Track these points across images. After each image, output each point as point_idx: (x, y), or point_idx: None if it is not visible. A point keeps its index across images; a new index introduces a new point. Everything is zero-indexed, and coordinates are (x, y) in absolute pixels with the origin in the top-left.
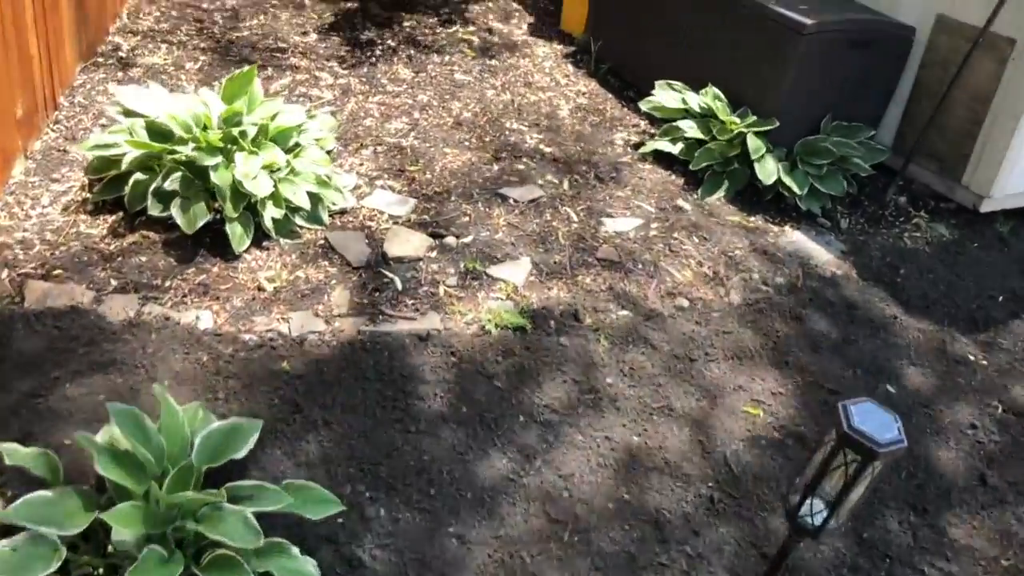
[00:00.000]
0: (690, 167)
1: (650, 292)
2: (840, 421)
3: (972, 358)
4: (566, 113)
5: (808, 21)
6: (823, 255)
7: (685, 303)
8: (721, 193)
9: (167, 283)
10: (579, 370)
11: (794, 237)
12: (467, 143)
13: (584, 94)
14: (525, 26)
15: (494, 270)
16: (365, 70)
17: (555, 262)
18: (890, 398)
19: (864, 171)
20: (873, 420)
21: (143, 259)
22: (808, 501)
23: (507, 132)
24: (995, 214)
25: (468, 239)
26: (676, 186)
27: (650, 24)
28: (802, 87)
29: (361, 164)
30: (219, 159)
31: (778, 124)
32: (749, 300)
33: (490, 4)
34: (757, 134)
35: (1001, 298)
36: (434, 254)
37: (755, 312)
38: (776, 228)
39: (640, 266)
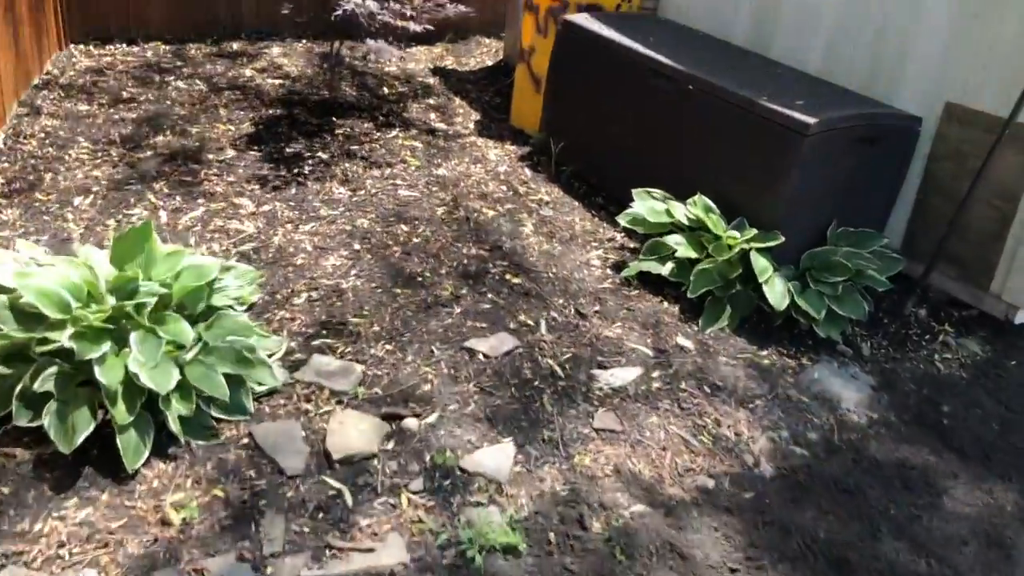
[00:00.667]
0: (686, 293)
1: (665, 472)
2: None
3: None
4: (530, 230)
5: (811, 120)
6: (852, 395)
7: (710, 483)
8: (724, 322)
9: (36, 527)
10: None
11: (816, 374)
12: (420, 278)
13: (548, 204)
14: (472, 124)
15: (469, 461)
16: (293, 191)
17: (544, 439)
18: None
19: (883, 285)
20: None
21: (4, 490)
22: None
23: (466, 260)
24: None
25: (432, 418)
26: (672, 316)
27: (618, 120)
28: (805, 193)
29: (293, 319)
30: (106, 347)
31: (783, 239)
32: (783, 470)
33: (430, 101)
34: (760, 251)
35: None
36: (391, 445)
37: (793, 488)
38: (793, 363)
39: (648, 432)
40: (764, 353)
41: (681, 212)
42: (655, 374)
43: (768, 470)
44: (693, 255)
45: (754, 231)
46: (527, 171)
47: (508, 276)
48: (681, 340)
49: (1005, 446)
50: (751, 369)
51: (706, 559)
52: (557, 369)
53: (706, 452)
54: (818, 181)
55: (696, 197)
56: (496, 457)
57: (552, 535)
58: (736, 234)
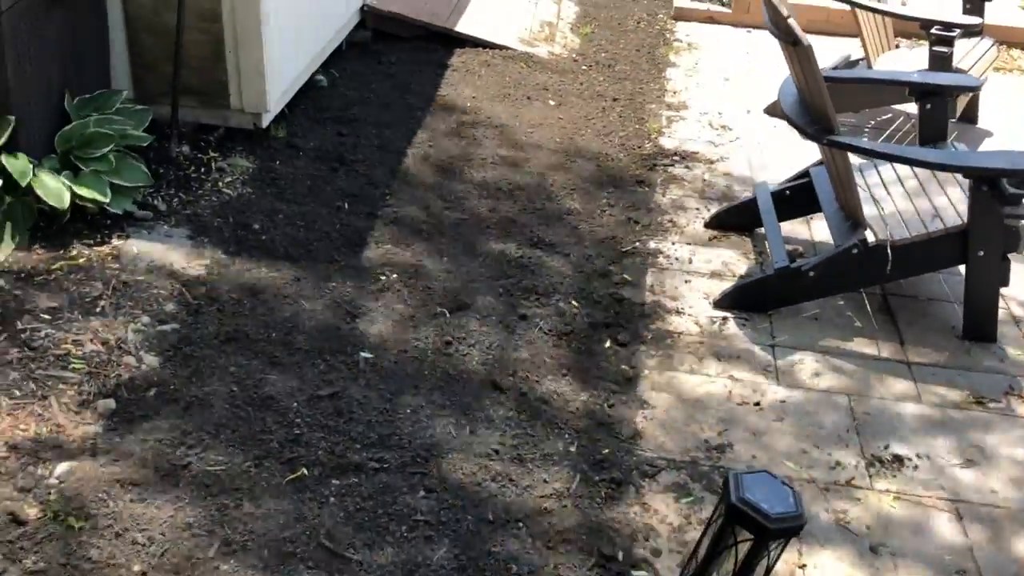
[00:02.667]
0: None
1: (62, 419)
2: (728, 493)
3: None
4: None
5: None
6: (178, 253)
7: (112, 404)
8: (12, 244)
9: None
10: None
11: (135, 250)
12: None
13: None
14: None
15: None
16: None
17: None
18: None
19: (145, 140)
20: (766, 492)
21: None
22: None
23: None
24: (272, 122)
25: None
26: None
27: None
28: (20, 70)
29: None
30: None
31: (13, 120)
32: (167, 351)
33: None
34: (9, 151)
35: (346, 203)
36: None
37: (187, 361)
38: (107, 249)
39: (17, 391)
40: (75, 252)
41: None
42: None
43: (153, 360)
44: None
45: None
46: None
47: None
48: None
49: (313, 236)
50: (76, 274)
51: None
52: None
53: (88, 376)
54: (30, 58)
55: None
56: None
57: None
58: None
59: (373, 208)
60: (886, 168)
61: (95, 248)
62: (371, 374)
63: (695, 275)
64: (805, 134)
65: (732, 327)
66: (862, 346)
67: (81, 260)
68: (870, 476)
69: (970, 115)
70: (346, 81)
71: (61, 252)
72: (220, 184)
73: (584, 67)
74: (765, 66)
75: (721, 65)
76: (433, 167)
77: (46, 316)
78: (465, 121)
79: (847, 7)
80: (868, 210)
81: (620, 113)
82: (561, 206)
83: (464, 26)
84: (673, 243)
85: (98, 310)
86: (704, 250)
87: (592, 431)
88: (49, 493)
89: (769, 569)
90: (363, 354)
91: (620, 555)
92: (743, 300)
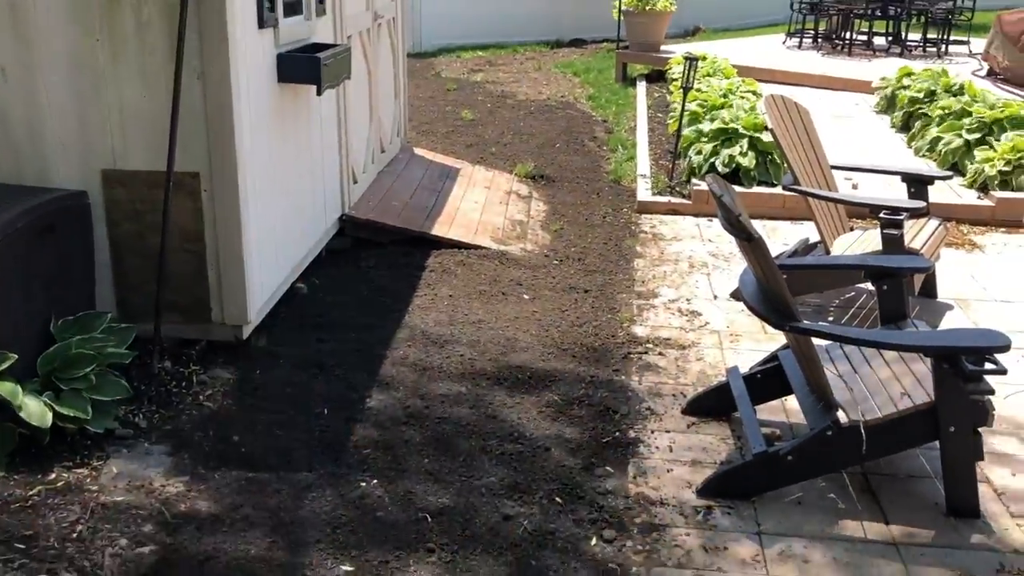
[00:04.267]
0: None
1: None
2: None
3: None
4: None
5: None
6: (157, 470)
7: None
8: None
9: None
10: None
11: (115, 469)
12: None
13: None
14: None
15: None
16: None
17: None
18: None
19: (128, 357)
20: None
21: None
22: None
23: None
24: (253, 333)
25: None
26: None
27: None
28: (9, 303)
29: None
30: None
31: (16, 357)
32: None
33: None
34: None
35: (325, 409)
36: None
37: None
38: (86, 471)
39: None
40: (54, 476)
41: None
42: None
43: None
44: None
45: None
46: None
47: None
48: None
49: (293, 444)
50: (54, 499)
51: None
52: None
53: None
54: (18, 287)
55: None
56: None
57: None
58: None
59: (352, 412)
60: (852, 348)
61: (74, 470)
62: None
63: (677, 463)
64: (768, 322)
65: (717, 516)
66: (848, 529)
67: (59, 484)
68: None
69: (928, 290)
70: (326, 287)
71: (40, 476)
72: (201, 397)
73: (555, 262)
74: (726, 252)
75: (685, 253)
76: (412, 368)
77: (20, 546)
78: (442, 321)
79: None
80: (838, 391)
81: (592, 304)
82: (540, 398)
83: (439, 229)
84: (653, 432)
85: (75, 535)
86: (684, 437)
87: None
88: None
89: None
90: (344, 567)
91: None
92: (725, 487)
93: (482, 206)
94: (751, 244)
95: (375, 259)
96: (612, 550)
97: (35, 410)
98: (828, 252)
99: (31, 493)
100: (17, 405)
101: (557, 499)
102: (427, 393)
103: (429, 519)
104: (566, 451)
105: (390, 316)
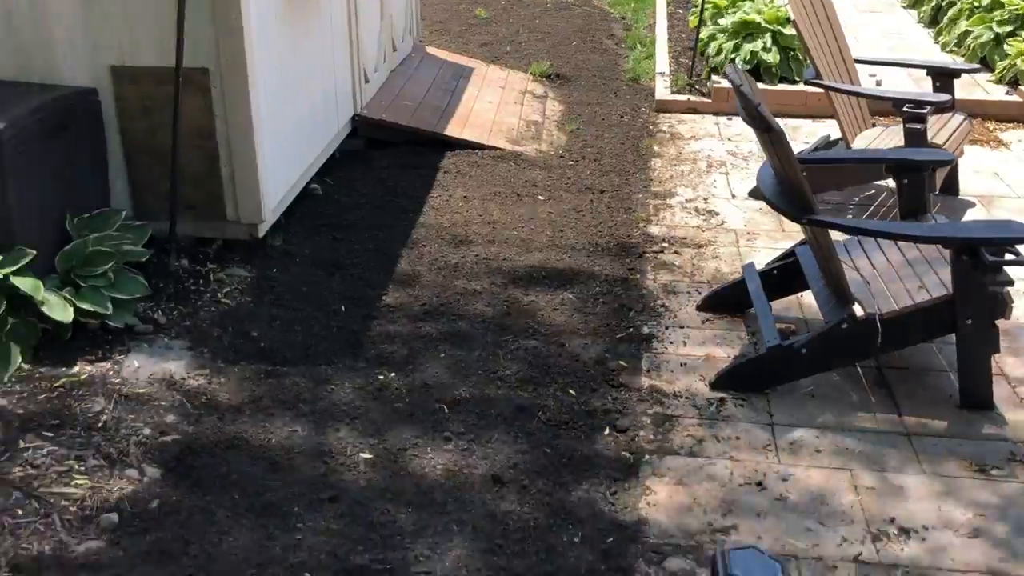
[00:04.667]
0: None
1: (64, 536)
2: (716, 571)
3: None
4: None
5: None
6: (178, 364)
7: (114, 516)
8: (17, 361)
9: None
10: None
11: (136, 363)
12: None
13: None
14: None
15: None
16: None
17: None
18: None
19: (144, 255)
20: (754, 568)
21: None
22: None
23: None
24: (269, 232)
25: None
26: None
27: None
28: (26, 199)
29: None
30: None
31: (35, 253)
32: (169, 464)
33: None
34: (17, 272)
35: (342, 306)
36: None
37: (188, 474)
38: (108, 364)
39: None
40: (77, 368)
41: None
42: None
43: (154, 472)
44: None
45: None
46: None
47: None
48: None
49: (310, 340)
50: (79, 390)
51: None
52: None
53: (91, 491)
54: (33, 184)
55: None
56: None
57: None
58: None
59: (369, 310)
60: (870, 243)
61: (97, 364)
62: (371, 474)
63: (690, 358)
64: (786, 215)
65: (730, 407)
66: (861, 420)
67: (83, 376)
68: (877, 551)
69: (950, 187)
70: (340, 188)
71: (64, 369)
72: (219, 295)
73: (571, 162)
74: (746, 151)
75: (704, 153)
76: (427, 266)
77: (49, 433)
78: (457, 221)
79: (822, 91)
80: (854, 285)
81: (608, 204)
82: (555, 296)
83: (453, 129)
84: (667, 328)
85: (100, 425)
86: (697, 332)
87: (595, 521)
88: None
89: None
90: (363, 455)
91: None
92: (739, 380)
93: (496, 106)
94: (770, 135)
95: (388, 160)
96: (625, 439)
97: (57, 305)
98: (849, 149)
99: (56, 385)
100: (39, 300)
101: (571, 391)
102: (443, 291)
103: (446, 409)
104: (580, 346)
105: (405, 216)
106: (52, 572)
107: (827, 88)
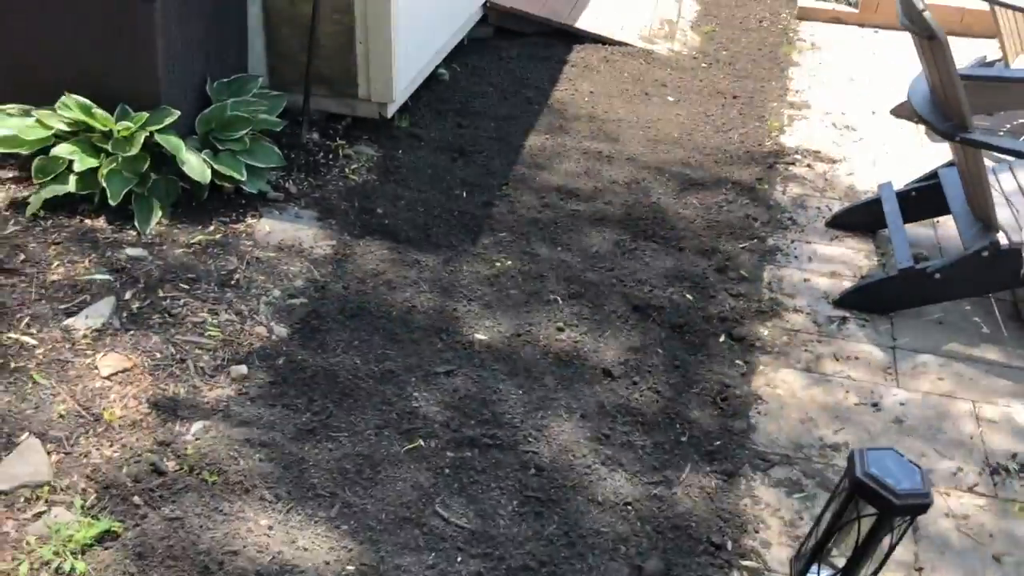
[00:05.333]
0: (108, 202)
1: (196, 382)
2: (853, 467)
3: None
4: None
5: None
6: (307, 232)
7: (243, 369)
8: (158, 216)
9: None
10: None
11: (268, 228)
12: None
13: None
14: None
15: None
16: None
17: None
18: None
19: (278, 125)
20: (892, 469)
21: None
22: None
23: None
24: (396, 113)
25: None
26: (104, 232)
27: None
28: (174, 58)
29: None
30: None
31: (179, 114)
32: (296, 324)
33: None
34: (161, 132)
35: (464, 192)
36: None
37: (314, 333)
38: (243, 227)
39: (158, 354)
40: (212, 228)
41: (55, 120)
42: (128, 295)
43: (282, 331)
44: (94, 162)
45: (144, 115)
46: None
47: None
48: (130, 251)
49: (432, 222)
50: (213, 249)
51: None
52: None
53: (223, 343)
54: (181, 44)
55: (65, 99)
56: None
57: None
58: (129, 124)
59: (490, 197)
60: (1021, 171)
61: (231, 225)
62: (485, 354)
63: (814, 274)
64: (937, 131)
65: (852, 327)
66: (989, 352)
67: (218, 236)
68: (994, 484)
69: None
70: (467, 75)
71: (200, 228)
72: (347, 170)
73: (704, 65)
74: (892, 67)
75: (846, 65)
76: (550, 159)
77: (185, 286)
78: (582, 116)
79: (984, 7)
80: (1001, 213)
81: (740, 110)
82: (678, 200)
83: (584, 22)
84: (792, 241)
85: (233, 283)
86: (824, 249)
87: (704, 422)
88: (186, 448)
89: (892, 548)
90: (478, 336)
91: (729, 544)
92: (864, 300)
93: (630, 1)
94: (932, 43)
95: (517, 49)
96: (740, 348)
97: (196, 165)
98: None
99: (192, 242)
100: (181, 160)
101: (688, 296)
102: (563, 186)
103: (560, 302)
104: (700, 253)
105: (529, 108)
106: (185, 412)
107: (995, 2)
